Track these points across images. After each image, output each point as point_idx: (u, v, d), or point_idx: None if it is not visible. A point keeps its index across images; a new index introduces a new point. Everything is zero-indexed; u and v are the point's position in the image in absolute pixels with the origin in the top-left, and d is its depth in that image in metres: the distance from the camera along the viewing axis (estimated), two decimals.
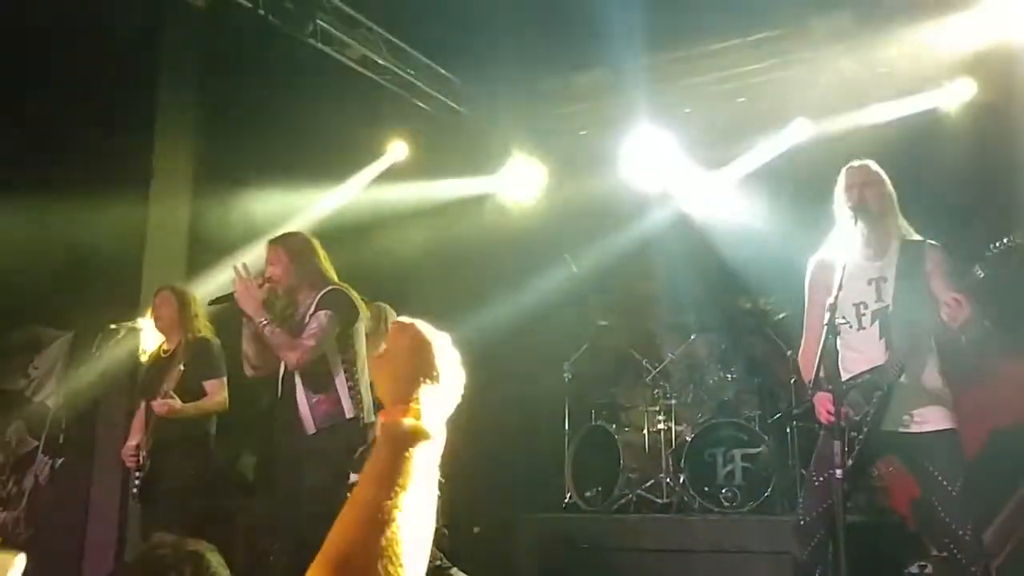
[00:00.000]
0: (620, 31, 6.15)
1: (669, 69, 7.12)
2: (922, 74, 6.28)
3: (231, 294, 4.00)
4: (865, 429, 3.52)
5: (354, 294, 4.17)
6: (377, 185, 7.18)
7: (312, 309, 4.04)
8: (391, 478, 0.99)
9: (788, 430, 5.99)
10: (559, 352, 7.10)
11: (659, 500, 6.31)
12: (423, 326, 1.16)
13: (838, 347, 3.34)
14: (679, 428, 6.43)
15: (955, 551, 3.39)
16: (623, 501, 6.32)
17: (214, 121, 6.01)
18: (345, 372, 4.05)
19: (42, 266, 5.58)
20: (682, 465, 6.07)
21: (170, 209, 5.88)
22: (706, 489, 5.93)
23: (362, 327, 4.20)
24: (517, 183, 7.83)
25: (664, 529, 5.81)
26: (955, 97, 6.31)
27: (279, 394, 4.14)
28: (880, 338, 3.62)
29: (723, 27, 6.75)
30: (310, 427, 3.99)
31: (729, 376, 6.42)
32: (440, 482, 1.06)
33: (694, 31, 6.77)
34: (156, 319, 4.91)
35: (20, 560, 1.27)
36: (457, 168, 7.52)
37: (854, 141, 5.86)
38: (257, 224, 5.79)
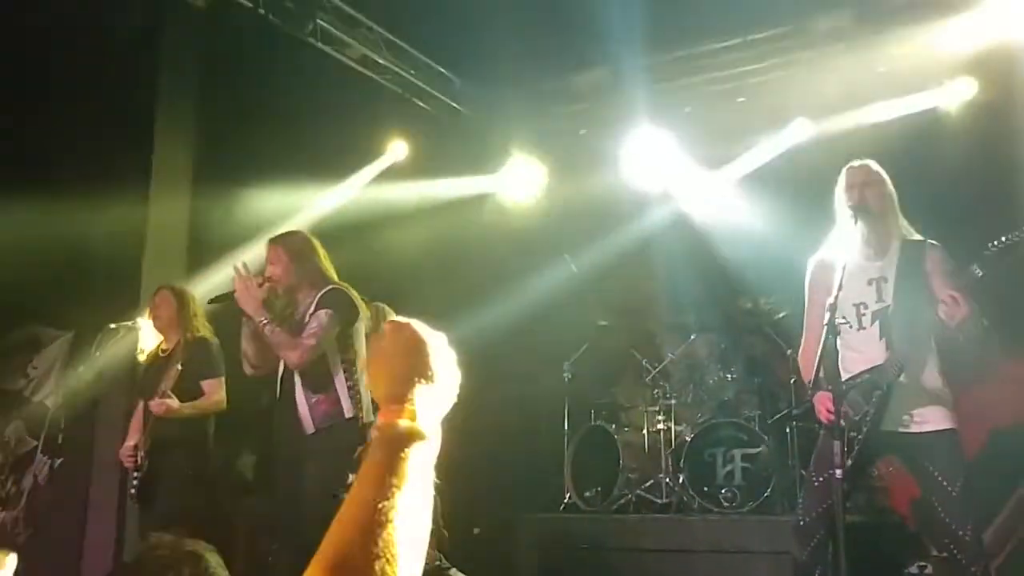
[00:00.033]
0: (620, 31, 6.15)
1: (669, 69, 7.12)
2: (922, 74, 6.27)
3: (231, 293, 4.00)
4: (864, 429, 3.52)
5: (354, 293, 4.17)
6: (377, 184, 7.18)
7: (312, 308, 4.04)
8: (387, 479, 0.99)
9: (788, 430, 5.99)
10: (559, 352, 7.10)
11: (659, 500, 6.30)
12: (418, 326, 1.15)
13: (838, 347, 3.33)
14: (679, 428, 6.42)
15: (955, 551, 3.38)
16: (623, 501, 6.31)
17: (214, 121, 6.00)
18: (345, 372, 4.04)
19: (42, 266, 5.57)
20: (682, 465, 6.07)
21: (170, 209, 5.87)
22: (706, 489, 5.92)
23: (362, 327, 4.20)
24: (517, 183, 7.83)
25: (664, 529, 5.81)
26: (955, 96, 6.31)
27: (278, 394, 4.14)
28: (880, 338, 3.61)
29: (723, 27, 6.75)
30: (309, 427, 3.98)
31: (729, 376, 6.42)
32: (436, 483, 1.06)
33: (694, 31, 6.77)
34: (155, 319, 4.91)
35: (11, 560, 1.27)
36: (457, 168, 7.52)
37: (854, 141, 5.86)
38: (257, 223, 5.78)
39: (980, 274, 3.37)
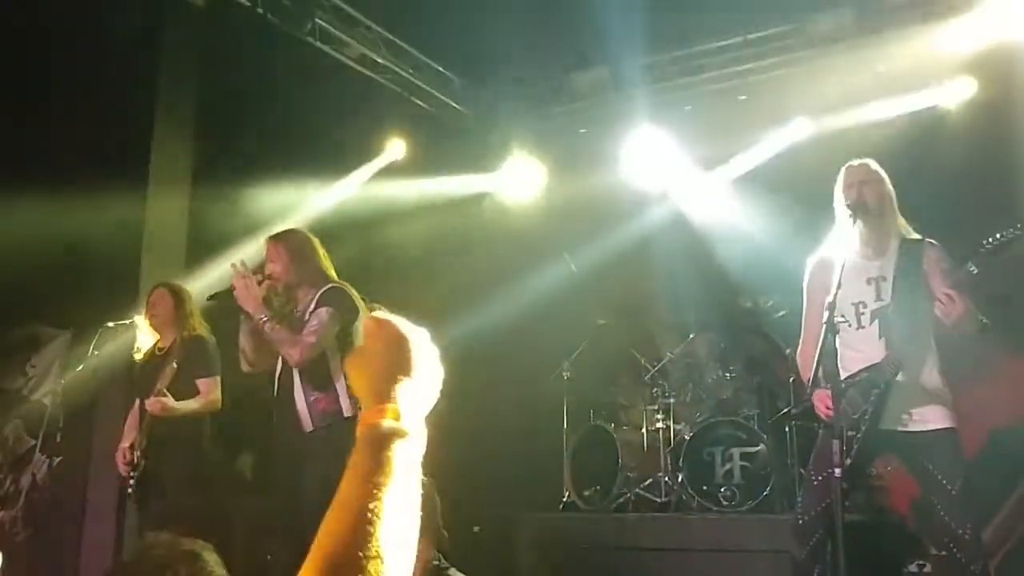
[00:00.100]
0: (620, 30, 6.16)
1: (669, 68, 7.13)
2: (922, 73, 6.28)
3: (229, 290, 3.99)
4: (863, 428, 3.51)
5: (354, 292, 4.16)
6: (376, 183, 7.18)
7: (312, 307, 4.04)
8: (373, 479, 0.98)
9: (787, 429, 5.98)
10: (558, 351, 7.10)
11: (658, 499, 6.30)
12: (399, 322, 1.14)
13: (837, 346, 3.33)
14: (678, 427, 6.42)
15: (954, 550, 3.38)
16: (622, 500, 6.31)
17: (213, 119, 6.01)
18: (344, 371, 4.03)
19: (41, 265, 5.57)
20: (681, 464, 6.07)
21: (169, 207, 5.88)
22: (705, 488, 5.92)
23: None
24: (516, 182, 7.83)
25: (663, 528, 5.80)
26: (955, 95, 6.31)
27: (275, 392, 4.14)
28: (880, 337, 3.61)
29: (723, 26, 6.75)
30: (307, 425, 3.98)
31: (728, 375, 6.41)
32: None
33: (694, 30, 6.78)
34: (151, 316, 4.89)
35: None
36: (456, 167, 7.53)
37: (854, 140, 5.87)
38: (255, 222, 5.79)
39: (975, 271, 3.37)
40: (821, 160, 5.21)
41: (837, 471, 3.17)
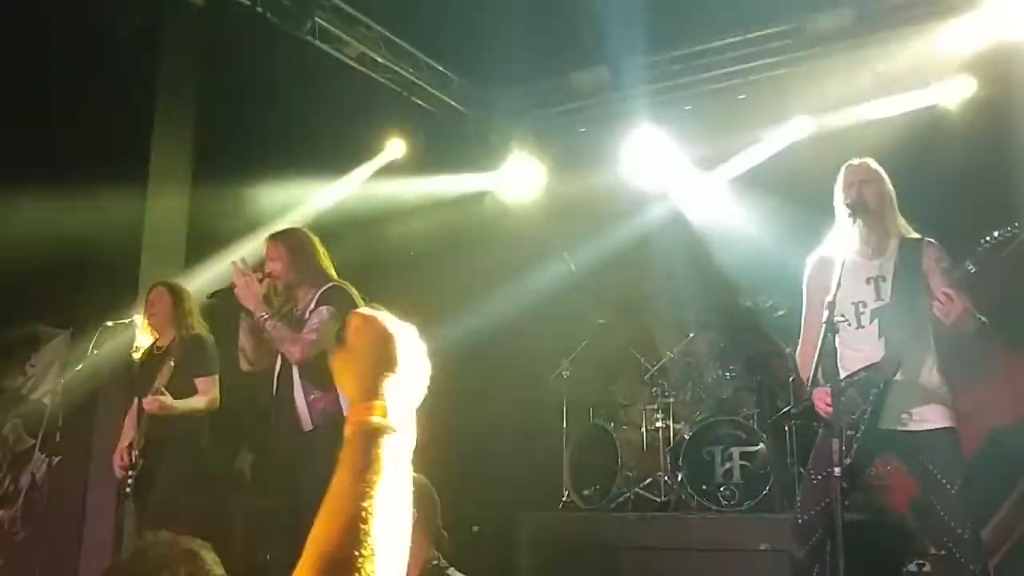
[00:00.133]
0: (620, 29, 6.16)
1: (669, 67, 7.13)
2: (922, 72, 6.28)
3: (230, 288, 3.99)
4: (862, 427, 3.51)
5: (354, 291, 4.17)
6: (376, 183, 7.18)
7: (312, 305, 4.04)
8: (365, 477, 0.98)
9: (786, 428, 5.99)
10: (558, 350, 7.10)
11: (657, 498, 6.31)
12: (385, 318, 1.14)
13: (836, 345, 3.33)
14: (677, 426, 6.42)
15: (954, 550, 3.39)
16: (621, 499, 6.31)
17: (212, 119, 6.00)
18: None
19: (41, 264, 5.56)
20: (680, 463, 6.06)
21: (168, 206, 5.87)
22: (704, 487, 5.92)
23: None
24: (516, 181, 7.83)
25: (662, 527, 5.81)
26: (954, 95, 6.31)
27: (274, 391, 4.13)
28: (879, 337, 3.61)
29: (723, 25, 6.75)
30: (307, 424, 3.98)
31: (728, 374, 6.41)
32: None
33: (694, 29, 6.78)
34: (150, 316, 4.88)
35: None
36: (456, 166, 7.52)
37: (853, 139, 5.87)
38: (254, 221, 5.79)
39: (973, 270, 3.37)
40: (821, 159, 5.20)
41: (837, 470, 3.16)
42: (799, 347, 3.89)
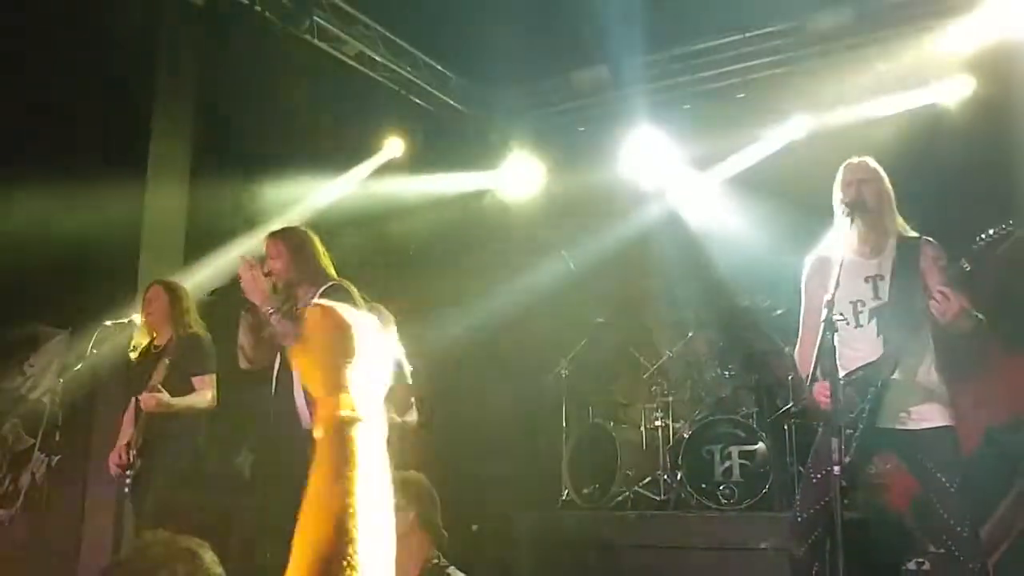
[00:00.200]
0: (619, 28, 6.15)
1: (668, 66, 7.13)
2: (921, 71, 6.28)
3: (229, 286, 3.99)
4: (861, 426, 3.52)
5: (354, 290, 4.16)
6: (374, 181, 7.18)
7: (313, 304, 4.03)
8: (344, 474, 0.99)
9: (786, 427, 5.99)
10: (557, 349, 7.10)
11: (657, 497, 6.31)
12: (341, 308, 1.13)
13: (835, 344, 3.33)
14: (677, 425, 6.43)
15: (953, 548, 3.39)
16: (621, 498, 6.32)
17: (211, 117, 6.00)
18: None
19: (40, 264, 5.56)
20: (679, 462, 6.07)
21: (167, 205, 5.88)
22: (703, 486, 5.92)
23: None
24: (515, 180, 7.83)
25: (662, 526, 5.82)
26: (954, 94, 6.31)
27: (273, 389, 4.13)
28: (878, 335, 3.61)
29: (723, 24, 6.75)
30: (306, 422, 3.97)
31: (727, 373, 6.42)
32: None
33: (693, 28, 6.78)
34: (147, 314, 4.87)
35: None
36: (455, 165, 7.52)
37: (853, 137, 5.86)
38: (253, 220, 5.79)
39: (968, 268, 3.37)
40: (820, 158, 5.20)
41: (836, 469, 3.17)
42: (798, 346, 3.89)
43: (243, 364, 4.19)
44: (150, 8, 5.82)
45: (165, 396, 4.55)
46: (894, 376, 3.52)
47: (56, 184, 5.24)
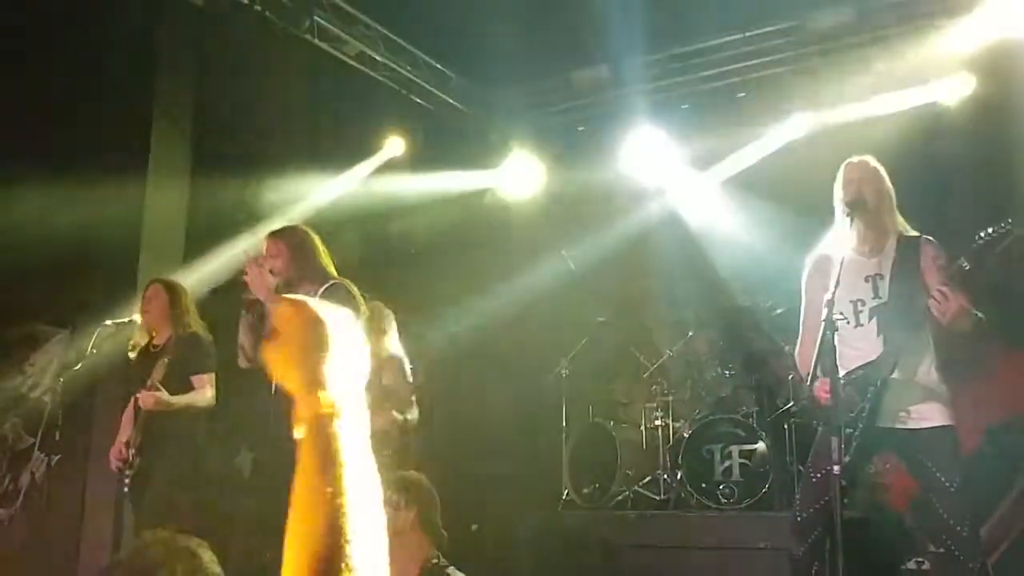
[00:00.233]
0: (619, 28, 6.15)
1: (669, 66, 7.13)
2: (921, 70, 6.27)
3: (230, 284, 3.99)
4: (860, 425, 3.51)
5: (355, 289, 4.16)
6: (374, 180, 7.18)
7: None
8: (330, 472, 0.99)
9: (786, 426, 5.99)
10: (557, 348, 7.10)
11: (657, 497, 6.31)
12: (312, 303, 1.12)
13: (835, 343, 3.33)
14: (677, 424, 6.43)
15: (952, 547, 3.39)
16: (621, 498, 6.31)
17: (211, 117, 6.00)
18: None
19: (39, 263, 5.57)
20: (680, 461, 6.07)
21: (167, 204, 5.88)
22: (703, 485, 5.92)
23: (363, 323, 4.19)
24: (515, 179, 7.83)
25: (662, 526, 5.82)
26: (954, 92, 6.31)
27: (273, 388, 4.13)
28: (878, 335, 3.61)
29: (723, 24, 6.75)
30: None
31: (727, 372, 6.42)
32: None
33: (693, 28, 6.78)
34: (145, 313, 4.86)
35: None
36: (455, 164, 7.52)
37: (853, 136, 5.86)
38: (253, 219, 5.79)
39: (967, 267, 3.37)
40: (820, 157, 5.20)
41: (836, 468, 3.16)
42: (798, 345, 3.89)
43: (243, 364, 4.19)
44: (150, 8, 5.82)
45: (164, 395, 4.54)
46: (894, 375, 3.52)
47: (56, 183, 5.24)
